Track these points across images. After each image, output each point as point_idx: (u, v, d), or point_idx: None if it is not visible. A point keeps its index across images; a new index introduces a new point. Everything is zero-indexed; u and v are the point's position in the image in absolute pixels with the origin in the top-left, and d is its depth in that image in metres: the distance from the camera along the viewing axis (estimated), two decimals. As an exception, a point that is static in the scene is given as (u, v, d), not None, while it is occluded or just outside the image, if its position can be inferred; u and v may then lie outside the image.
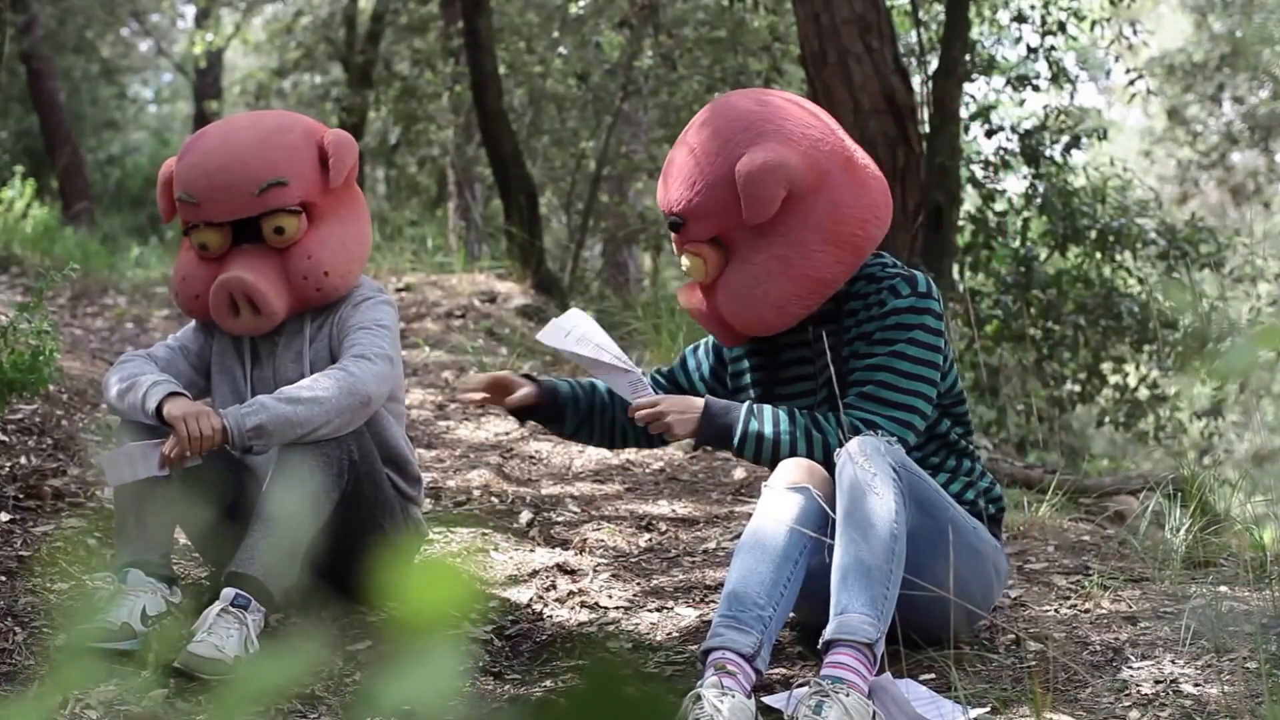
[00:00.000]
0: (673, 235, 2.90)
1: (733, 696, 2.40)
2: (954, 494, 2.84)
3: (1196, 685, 2.56)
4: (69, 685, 2.40)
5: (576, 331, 2.93)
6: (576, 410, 3.04)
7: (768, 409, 2.77)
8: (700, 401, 2.77)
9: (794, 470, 2.67)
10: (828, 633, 2.48)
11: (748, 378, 2.96)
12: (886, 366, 2.74)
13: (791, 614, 2.99)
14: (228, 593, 2.77)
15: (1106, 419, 8.33)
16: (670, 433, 2.75)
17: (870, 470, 2.55)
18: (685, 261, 2.87)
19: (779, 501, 2.63)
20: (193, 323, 3.23)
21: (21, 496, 3.56)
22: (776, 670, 2.77)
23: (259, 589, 2.78)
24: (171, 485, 2.94)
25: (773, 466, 2.74)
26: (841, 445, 2.68)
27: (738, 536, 2.84)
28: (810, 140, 2.77)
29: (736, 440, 2.74)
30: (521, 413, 3.02)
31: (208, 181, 3.03)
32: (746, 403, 2.79)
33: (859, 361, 2.78)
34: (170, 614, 2.85)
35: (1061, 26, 7.91)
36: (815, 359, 2.86)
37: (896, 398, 2.74)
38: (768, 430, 2.74)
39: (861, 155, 2.87)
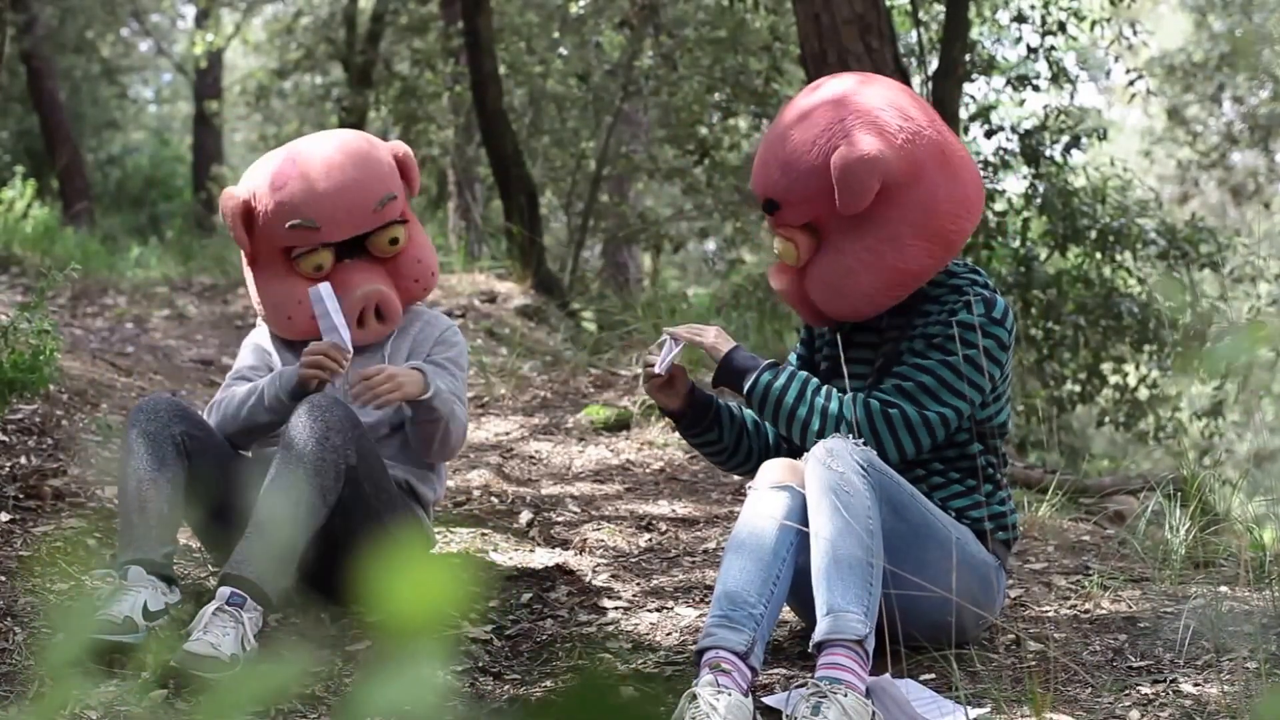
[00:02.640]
0: (766, 216, 2.94)
1: (729, 695, 2.41)
2: (958, 508, 2.85)
3: (1196, 685, 2.56)
4: (67, 697, 2.38)
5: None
6: (733, 421, 3.03)
7: (788, 367, 2.84)
8: (728, 346, 2.87)
9: (777, 470, 2.70)
10: (818, 634, 2.49)
11: (825, 350, 3.01)
12: (932, 371, 2.77)
13: (789, 614, 3.00)
14: (223, 592, 2.78)
15: (1106, 419, 8.33)
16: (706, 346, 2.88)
17: (839, 470, 2.57)
18: (778, 245, 2.90)
19: (764, 500, 2.66)
20: (254, 344, 3.33)
21: (21, 496, 3.56)
22: (776, 670, 2.78)
23: (254, 589, 2.79)
24: (176, 484, 2.97)
25: (779, 425, 2.82)
26: (848, 421, 2.72)
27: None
28: (907, 133, 2.77)
29: (746, 387, 2.84)
30: (681, 413, 3.00)
31: (330, 205, 3.15)
32: (768, 361, 2.86)
33: (910, 358, 2.81)
34: (169, 612, 2.85)
35: (1061, 26, 7.91)
36: (879, 345, 2.90)
37: (928, 402, 2.77)
38: (780, 382, 2.81)
39: (956, 147, 2.86)
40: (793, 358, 3.10)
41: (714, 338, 2.88)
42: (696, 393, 2.99)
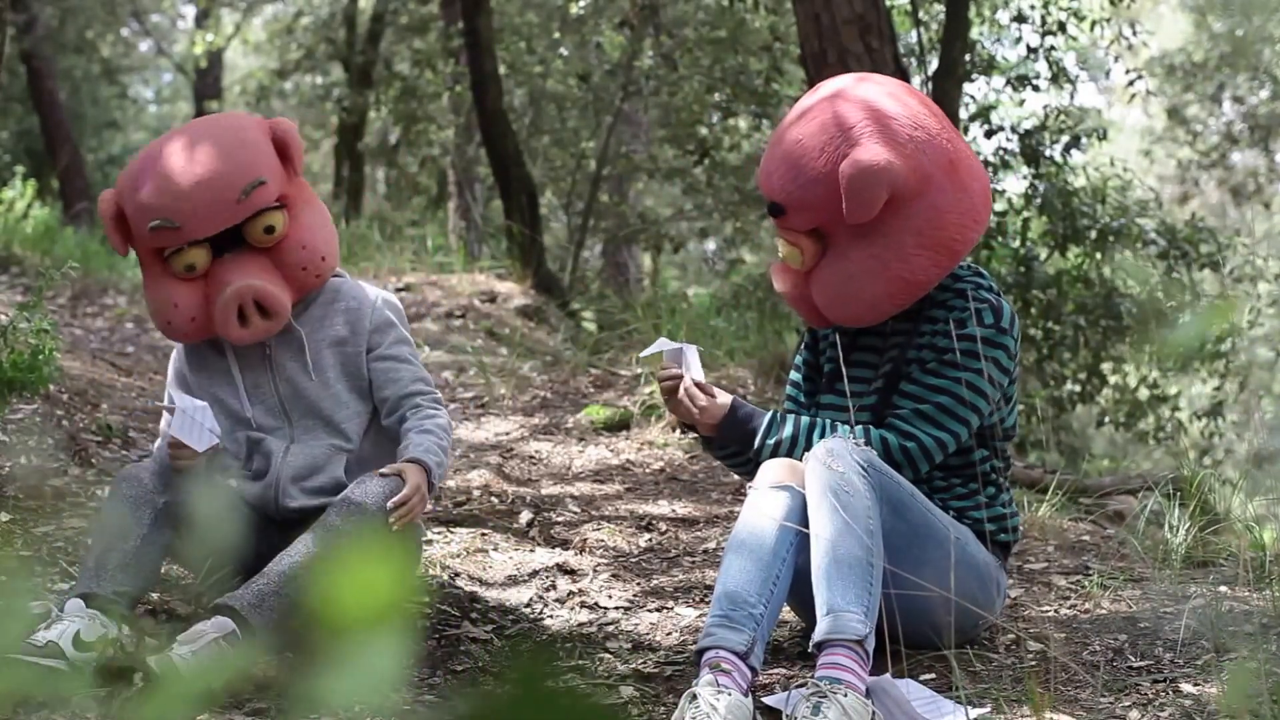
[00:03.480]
0: (772, 218, 2.92)
1: (729, 695, 2.41)
2: (958, 510, 2.85)
3: (1196, 685, 2.56)
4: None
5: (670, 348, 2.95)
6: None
7: (789, 419, 2.82)
8: (725, 405, 2.83)
9: (777, 470, 2.70)
10: (818, 634, 2.49)
11: (828, 352, 2.99)
12: (948, 391, 2.77)
13: (790, 614, 3.00)
14: (224, 623, 2.66)
15: (1106, 419, 8.33)
16: (697, 420, 2.84)
17: (839, 470, 2.57)
18: (782, 248, 2.88)
19: (765, 500, 2.66)
20: (174, 367, 3.16)
21: (21, 496, 3.56)
22: (776, 670, 2.78)
23: (253, 635, 2.68)
24: (150, 544, 2.83)
25: None
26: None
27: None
28: (917, 142, 2.74)
29: (755, 448, 2.82)
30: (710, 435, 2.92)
31: (188, 201, 2.93)
32: (770, 413, 2.83)
33: (923, 375, 2.80)
34: (114, 641, 2.67)
35: (1061, 26, 7.92)
36: (884, 349, 2.89)
37: (946, 421, 2.77)
38: (785, 435, 2.80)
39: (965, 155, 2.84)
40: (798, 360, 3.09)
41: (703, 415, 2.84)
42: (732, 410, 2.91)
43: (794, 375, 3.09)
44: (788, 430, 2.81)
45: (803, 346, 3.10)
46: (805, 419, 2.83)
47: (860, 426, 2.79)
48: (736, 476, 4.28)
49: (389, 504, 2.82)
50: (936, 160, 2.75)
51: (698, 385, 2.85)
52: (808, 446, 2.77)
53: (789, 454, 2.79)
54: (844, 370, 2.82)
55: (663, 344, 2.93)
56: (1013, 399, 2.90)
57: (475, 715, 0.84)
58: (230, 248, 3.02)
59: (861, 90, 2.84)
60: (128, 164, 3.08)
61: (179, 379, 3.15)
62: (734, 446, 2.89)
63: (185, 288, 3.02)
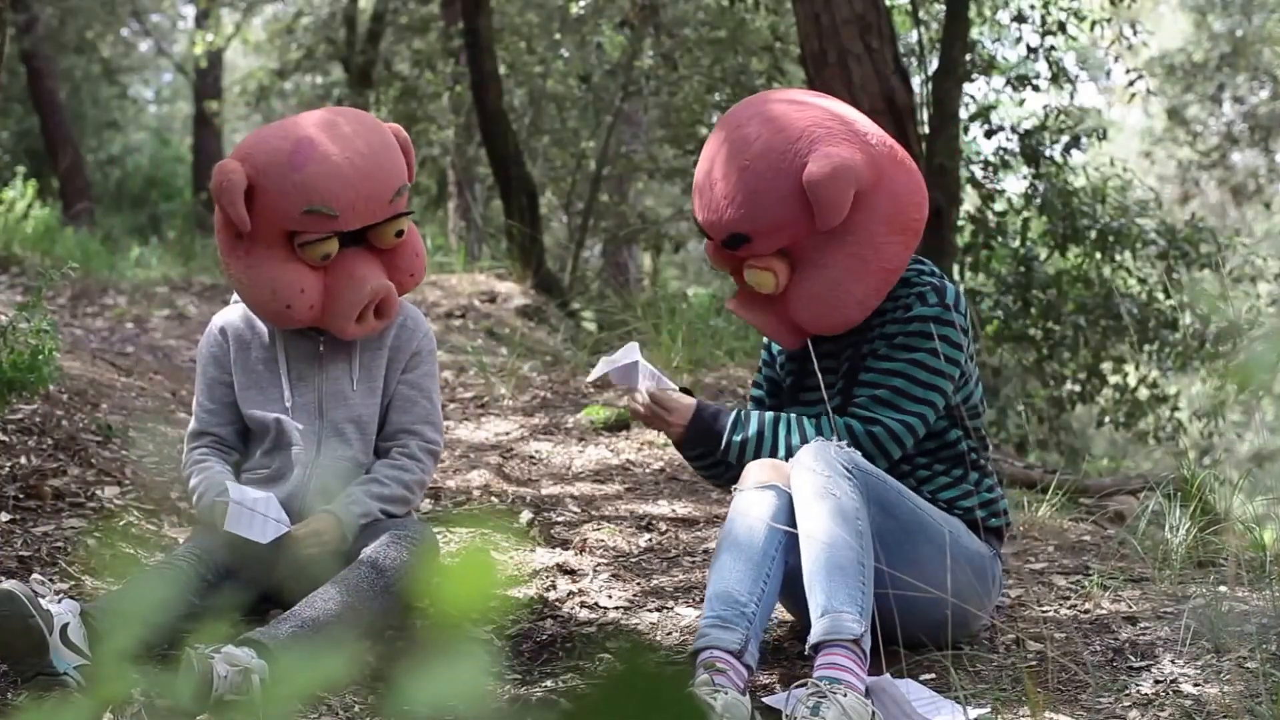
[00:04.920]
0: (710, 249, 2.90)
1: (725, 694, 2.41)
2: (947, 499, 2.85)
3: (1196, 685, 2.56)
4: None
5: (622, 359, 2.91)
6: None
7: (754, 415, 2.83)
8: (691, 404, 2.85)
9: (762, 470, 2.71)
10: (814, 635, 2.50)
11: (786, 365, 3.00)
12: (902, 373, 2.78)
13: (790, 615, 3.00)
14: (249, 654, 2.59)
15: (1106, 419, 8.33)
16: (666, 430, 2.88)
17: (825, 474, 2.58)
18: (751, 277, 2.85)
19: (751, 500, 2.67)
20: (210, 351, 3.14)
21: (21, 496, 3.56)
22: (776, 670, 2.78)
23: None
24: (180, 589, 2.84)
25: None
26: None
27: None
28: (861, 137, 2.78)
29: (723, 446, 2.83)
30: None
31: (353, 193, 2.95)
32: (735, 410, 2.85)
33: (876, 362, 2.82)
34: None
35: (1061, 26, 7.92)
36: (839, 353, 2.90)
37: (906, 404, 2.78)
38: (751, 433, 2.81)
39: (890, 139, 2.89)
40: (758, 378, 3.11)
41: (673, 426, 2.85)
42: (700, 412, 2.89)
43: (755, 393, 3.10)
44: (753, 427, 2.82)
45: (761, 364, 3.11)
46: (769, 414, 2.85)
47: (825, 420, 2.80)
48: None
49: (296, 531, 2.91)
50: (879, 147, 2.80)
51: (657, 394, 2.85)
52: (774, 440, 2.79)
53: (757, 450, 2.80)
54: (815, 363, 2.85)
55: (605, 364, 2.89)
56: (974, 376, 2.90)
57: (580, 712, 0.84)
58: (351, 243, 3.04)
59: (792, 105, 2.84)
60: (259, 140, 3.01)
61: (214, 363, 3.14)
62: (703, 448, 2.90)
63: (312, 275, 3.02)
